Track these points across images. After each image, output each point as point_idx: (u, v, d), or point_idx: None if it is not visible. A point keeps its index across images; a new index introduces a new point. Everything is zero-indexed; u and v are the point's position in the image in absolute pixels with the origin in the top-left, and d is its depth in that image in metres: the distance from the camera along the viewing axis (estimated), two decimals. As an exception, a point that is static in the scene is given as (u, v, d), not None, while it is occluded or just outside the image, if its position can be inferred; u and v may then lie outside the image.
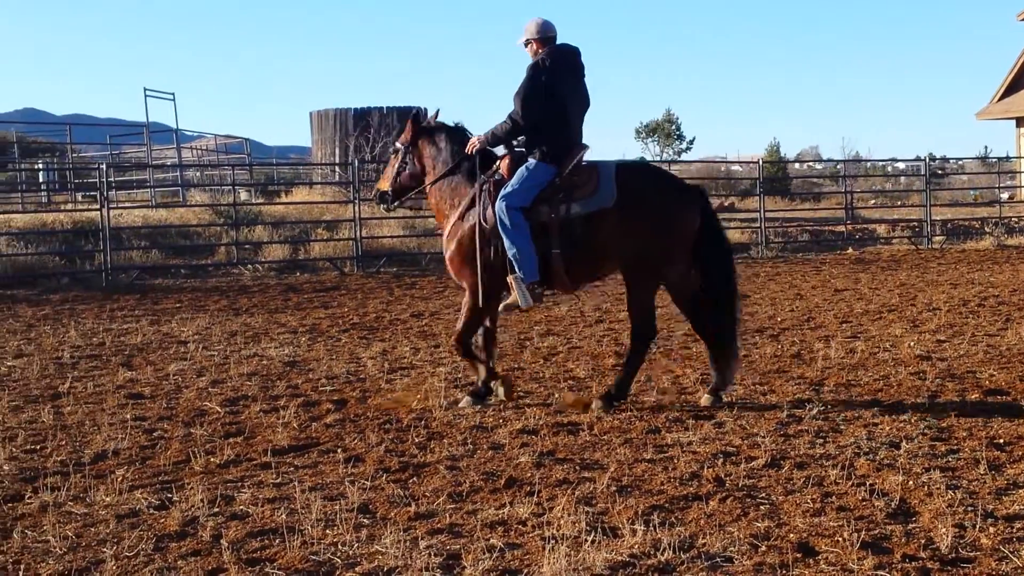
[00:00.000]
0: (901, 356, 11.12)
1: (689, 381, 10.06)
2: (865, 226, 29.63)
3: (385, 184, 9.84)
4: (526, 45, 8.99)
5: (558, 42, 8.99)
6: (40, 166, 37.79)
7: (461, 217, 9.13)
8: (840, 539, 5.71)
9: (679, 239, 8.83)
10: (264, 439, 8.15)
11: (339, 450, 7.82)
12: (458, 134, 9.43)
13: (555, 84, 8.76)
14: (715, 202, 29.17)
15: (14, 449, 7.95)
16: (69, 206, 28.14)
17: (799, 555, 5.53)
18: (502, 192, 8.77)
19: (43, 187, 34.23)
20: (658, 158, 56.15)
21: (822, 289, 17.70)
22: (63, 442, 8.16)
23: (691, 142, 60.96)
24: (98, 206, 21.30)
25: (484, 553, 5.65)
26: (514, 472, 7.15)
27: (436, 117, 9.70)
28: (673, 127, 60.36)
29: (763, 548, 5.63)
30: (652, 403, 9.19)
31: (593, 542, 5.72)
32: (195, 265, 21.35)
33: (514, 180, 8.80)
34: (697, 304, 9.04)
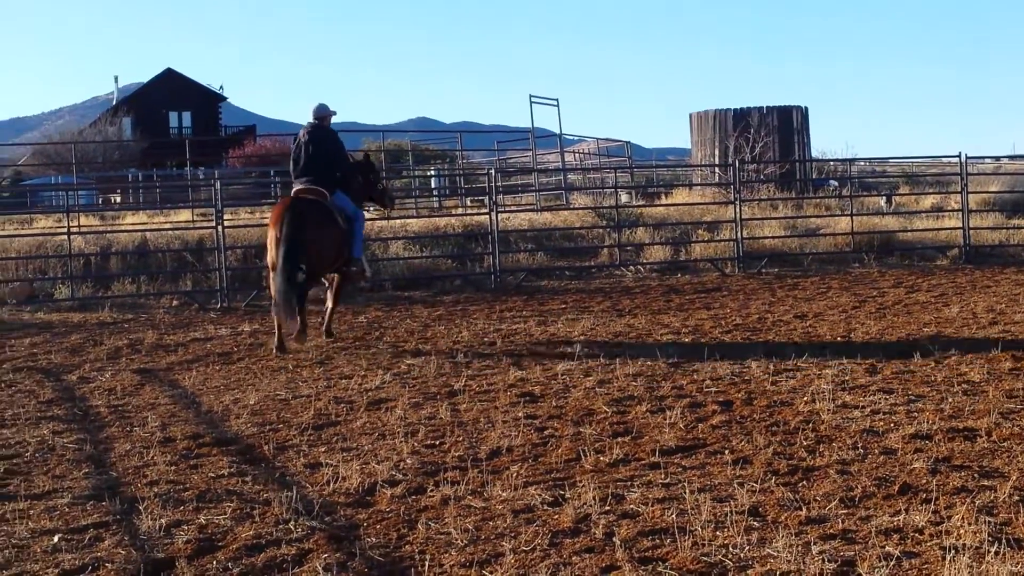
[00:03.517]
0: None
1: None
2: None
3: None
4: None
5: None
6: (432, 172, 39.63)
7: None
8: None
9: None
10: (651, 439, 8.25)
11: (726, 451, 7.81)
12: None
13: None
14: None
15: (416, 444, 8.38)
16: (460, 210, 29.30)
17: None
18: None
19: (435, 192, 35.83)
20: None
21: None
22: (460, 438, 8.53)
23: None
24: (487, 210, 22.11)
25: (880, 561, 5.52)
26: (908, 478, 6.94)
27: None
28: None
29: None
30: (1057, 410, 8.70)
31: (997, 554, 5.48)
32: (579, 267, 21.81)
33: None
34: None
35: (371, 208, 17.92)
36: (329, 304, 14.21)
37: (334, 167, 13.45)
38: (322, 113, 13.63)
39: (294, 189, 13.47)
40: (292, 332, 12.78)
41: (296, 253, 12.43)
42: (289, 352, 12.86)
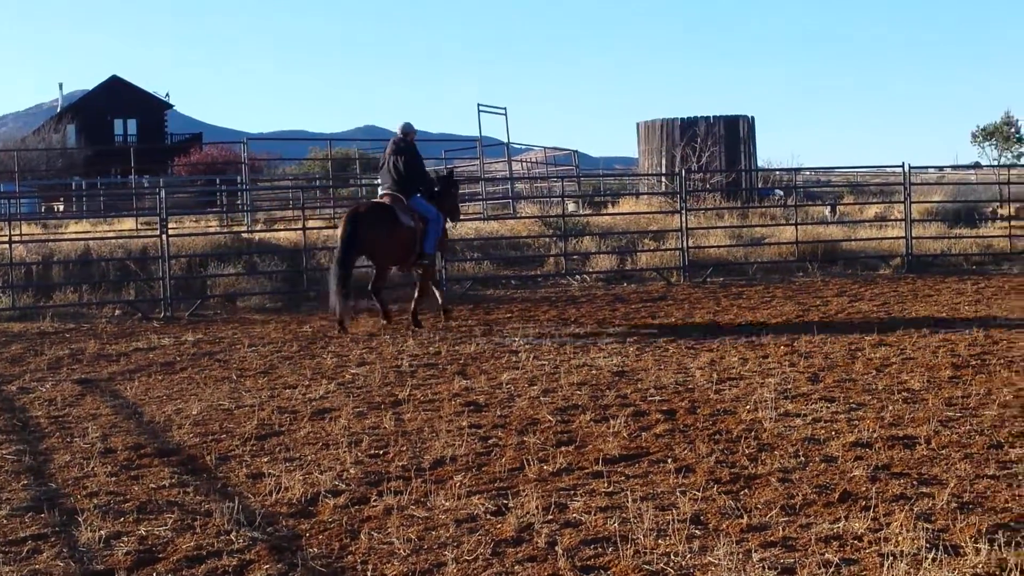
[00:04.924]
0: None
1: (1036, 395, 9.58)
2: None
3: None
4: None
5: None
6: (379, 181, 39.50)
7: None
8: None
9: None
10: (595, 448, 8.28)
11: (669, 460, 7.86)
12: None
13: None
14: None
15: (359, 453, 8.37)
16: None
17: None
18: None
19: (382, 202, 35.72)
20: (994, 162, 53.68)
21: None
22: (404, 448, 8.52)
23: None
24: (433, 219, 22.08)
25: (819, 568, 5.57)
26: (848, 486, 7.01)
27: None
28: (1012, 131, 57.67)
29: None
30: (994, 416, 8.81)
31: (934, 560, 5.55)
32: (525, 276, 21.84)
33: None
34: None
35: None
36: (415, 296, 16.02)
37: (413, 175, 15.61)
38: (407, 130, 15.93)
39: (379, 194, 16.07)
40: (347, 316, 15.16)
41: (350, 250, 14.82)
42: (348, 332, 14.99)
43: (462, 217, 19.95)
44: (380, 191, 16.06)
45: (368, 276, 16.28)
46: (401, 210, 15.33)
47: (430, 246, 15.60)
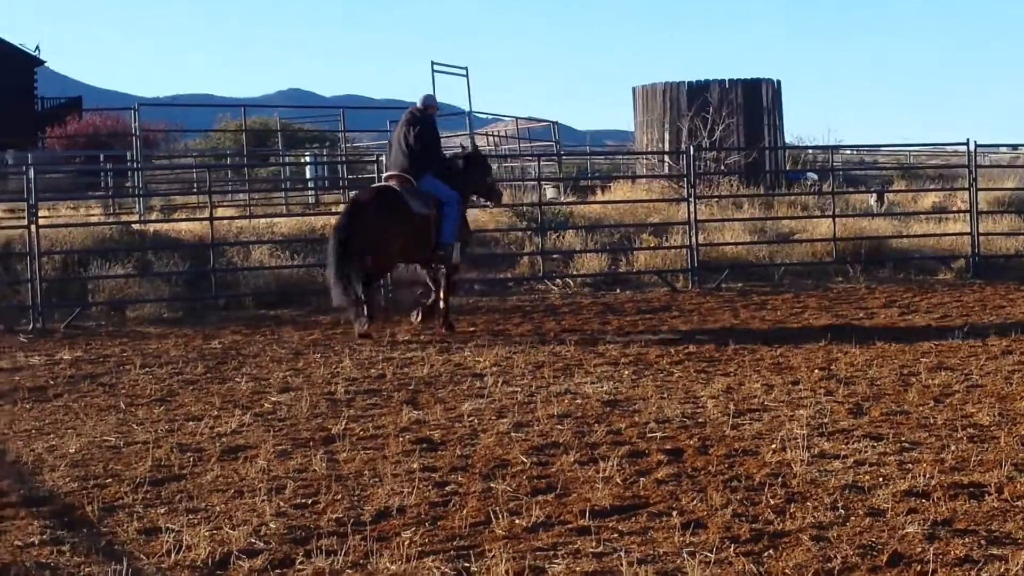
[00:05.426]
0: None
1: None
2: None
3: None
4: None
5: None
6: (307, 159, 39.41)
7: None
8: None
9: None
10: (580, 497, 8.29)
11: (674, 513, 7.88)
12: None
13: None
14: None
15: (282, 503, 8.35)
16: (342, 207, 29.24)
17: None
18: None
19: (311, 184, 35.62)
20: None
21: None
22: (339, 496, 8.51)
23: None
24: (376, 208, 22.02)
25: (863, 650, 5.59)
26: (900, 546, 7.04)
27: None
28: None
29: None
30: (1083, 460, 8.88)
31: (1006, 640, 5.57)
32: (492, 279, 21.81)
33: None
34: None
35: (479, 201, 19.72)
36: (441, 295, 16.79)
37: (425, 152, 16.24)
38: (428, 102, 16.85)
39: (383, 176, 17.24)
40: (362, 319, 15.75)
41: (348, 245, 15.32)
42: (372, 336, 15.72)
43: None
44: (385, 172, 17.02)
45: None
46: (411, 195, 16.00)
47: (448, 234, 16.25)
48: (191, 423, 11.07)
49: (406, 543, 7.35)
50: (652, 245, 23.29)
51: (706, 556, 6.93)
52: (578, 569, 6.82)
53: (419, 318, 16.69)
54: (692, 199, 22.34)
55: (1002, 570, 6.59)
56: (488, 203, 19.66)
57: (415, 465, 9.27)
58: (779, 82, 36.79)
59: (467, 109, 34.34)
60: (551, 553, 7.13)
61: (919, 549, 6.98)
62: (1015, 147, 44.86)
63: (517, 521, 7.77)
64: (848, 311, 17.99)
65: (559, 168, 37.47)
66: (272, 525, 7.85)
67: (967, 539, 7.15)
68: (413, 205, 15.87)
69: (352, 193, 20.80)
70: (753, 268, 22.69)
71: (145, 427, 10.94)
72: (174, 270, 20.70)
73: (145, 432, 10.71)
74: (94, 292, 19.77)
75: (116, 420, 11.32)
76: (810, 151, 39.53)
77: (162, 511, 8.24)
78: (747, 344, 14.99)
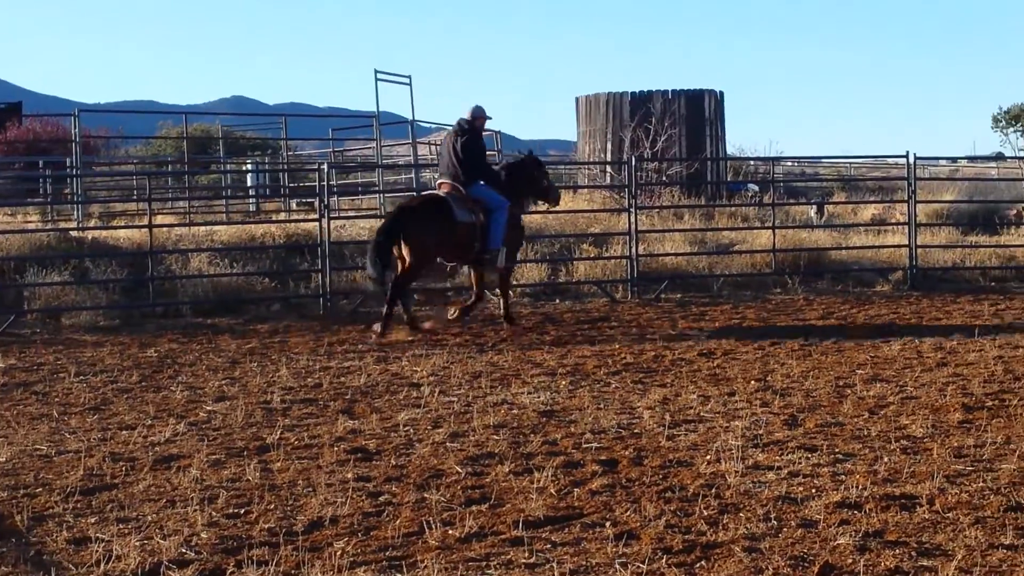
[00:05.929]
0: None
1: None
2: None
3: None
4: None
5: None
6: (248, 167, 39.26)
7: None
8: None
9: None
10: (514, 508, 8.28)
11: (608, 523, 7.88)
12: None
13: None
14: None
15: (214, 513, 8.31)
16: (282, 216, 29.15)
17: None
18: None
19: (251, 192, 35.51)
20: (1021, 153, 54.68)
21: None
22: (271, 506, 8.48)
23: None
24: (316, 216, 21.96)
25: (791, 661, 5.60)
26: (831, 557, 7.07)
27: None
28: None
29: None
30: (1012, 471, 8.94)
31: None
32: (430, 289, 21.76)
33: None
34: None
35: (537, 203, 20.34)
36: (499, 295, 18.38)
37: (472, 163, 17.22)
38: (477, 113, 17.60)
39: (435, 184, 18.30)
40: (384, 322, 16.59)
41: (386, 246, 16.41)
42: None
43: (355, 214, 20.22)
44: (437, 180, 18.16)
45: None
46: (457, 202, 16.96)
47: (495, 240, 17.17)
48: (124, 432, 10.99)
49: (339, 553, 7.32)
50: (592, 255, 23.32)
51: (638, 567, 6.94)
52: (510, 580, 6.81)
53: (455, 314, 17.81)
54: (633, 209, 22.37)
55: (931, 581, 6.63)
56: (548, 205, 20.23)
57: (349, 475, 9.25)
58: (722, 93, 37.02)
59: (410, 118, 34.25)
60: (484, 564, 7.13)
61: (850, 561, 7.01)
62: (954, 160, 45.29)
63: (451, 532, 7.76)
64: (786, 322, 18.06)
65: (501, 177, 37.39)
66: (204, 535, 7.81)
67: (898, 551, 7.19)
68: (458, 214, 16.76)
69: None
70: (692, 279, 22.76)
71: (78, 436, 10.86)
72: (112, 278, 20.55)
73: (77, 441, 10.63)
74: (30, 299, 19.62)
75: (48, 429, 11.23)
76: (751, 162, 39.70)
77: (93, 521, 8.18)
78: (684, 355, 15.04)
